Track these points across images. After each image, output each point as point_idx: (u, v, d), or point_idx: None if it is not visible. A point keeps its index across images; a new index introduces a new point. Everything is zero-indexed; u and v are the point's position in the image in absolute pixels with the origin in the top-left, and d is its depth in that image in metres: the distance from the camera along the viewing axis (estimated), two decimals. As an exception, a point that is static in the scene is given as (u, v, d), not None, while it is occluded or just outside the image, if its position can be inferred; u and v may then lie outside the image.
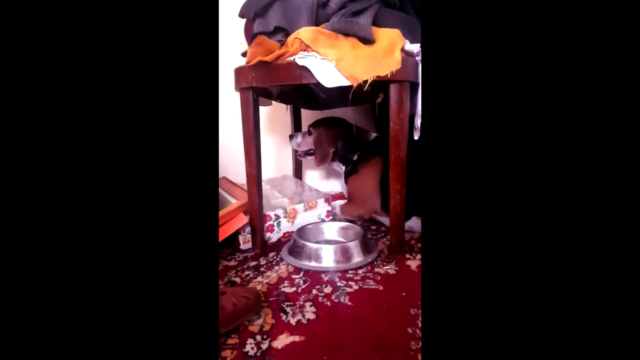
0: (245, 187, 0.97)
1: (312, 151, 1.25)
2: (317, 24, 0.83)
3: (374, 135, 1.21)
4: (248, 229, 0.98)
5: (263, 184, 0.98)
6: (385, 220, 1.13)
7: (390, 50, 0.79)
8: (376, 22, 0.84)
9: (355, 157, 1.18)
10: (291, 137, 1.30)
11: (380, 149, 1.13)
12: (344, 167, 1.22)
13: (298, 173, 1.41)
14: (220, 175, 1.29)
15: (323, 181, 1.59)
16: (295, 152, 1.34)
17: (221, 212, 0.93)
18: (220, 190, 1.14)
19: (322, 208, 1.13)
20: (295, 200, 1.12)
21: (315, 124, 1.23)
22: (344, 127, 1.21)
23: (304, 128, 1.32)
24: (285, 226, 1.06)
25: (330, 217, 1.14)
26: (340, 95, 0.93)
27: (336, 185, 1.57)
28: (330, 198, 1.15)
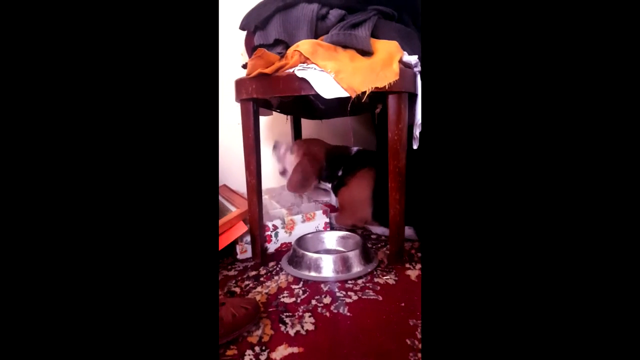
0: (245, 195, 0.98)
1: (287, 170, 1.21)
2: (316, 36, 0.85)
3: (355, 149, 1.22)
4: (246, 238, 0.98)
5: (262, 193, 0.99)
6: (377, 229, 1.14)
7: (388, 62, 0.80)
8: (375, 34, 0.85)
9: (340, 173, 1.18)
10: (275, 146, 1.26)
11: (366, 161, 1.15)
12: (329, 184, 1.22)
13: (297, 183, 1.41)
14: (221, 182, 1.29)
15: (321, 193, 1.59)
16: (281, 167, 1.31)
17: (221, 221, 0.93)
18: (220, 198, 1.14)
19: (320, 220, 1.12)
20: (294, 211, 1.12)
21: (299, 146, 1.21)
22: (325, 152, 1.20)
23: (304, 137, 1.32)
24: (283, 237, 1.06)
25: (328, 229, 1.14)
26: (339, 105, 0.94)
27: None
28: (328, 210, 1.15)
